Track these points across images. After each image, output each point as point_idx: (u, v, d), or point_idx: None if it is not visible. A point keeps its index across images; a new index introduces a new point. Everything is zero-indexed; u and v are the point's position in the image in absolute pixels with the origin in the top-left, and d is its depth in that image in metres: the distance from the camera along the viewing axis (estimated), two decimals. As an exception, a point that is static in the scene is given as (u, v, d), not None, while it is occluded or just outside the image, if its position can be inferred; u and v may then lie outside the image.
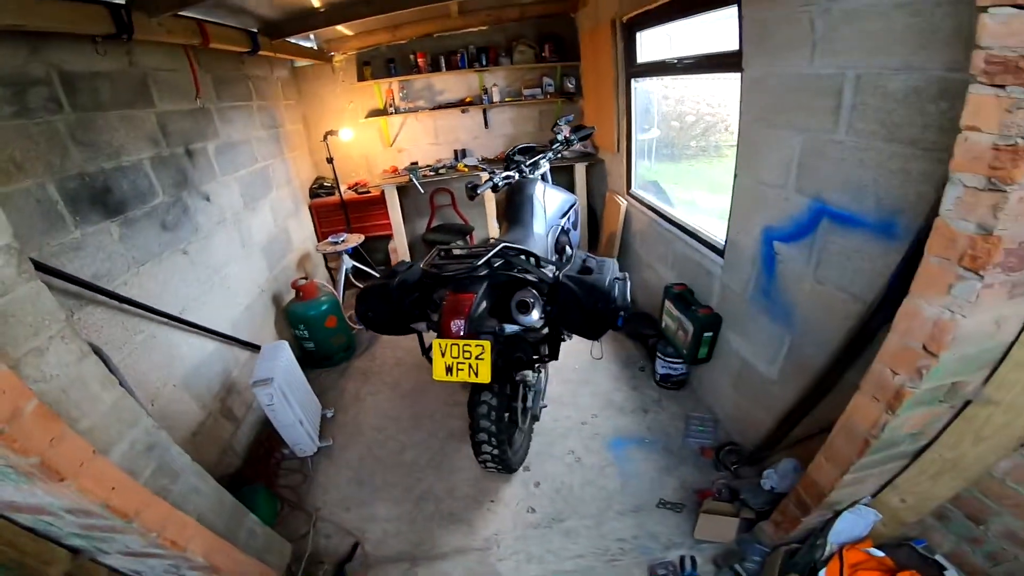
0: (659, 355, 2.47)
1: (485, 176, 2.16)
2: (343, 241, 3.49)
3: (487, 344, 1.47)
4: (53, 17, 1.53)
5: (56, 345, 1.03)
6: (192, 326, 2.08)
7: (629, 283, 1.69)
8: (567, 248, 2.83)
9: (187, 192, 2.26)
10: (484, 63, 3.91)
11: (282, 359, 2.13)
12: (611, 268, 1.69)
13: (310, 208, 3.92)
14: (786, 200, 1.61)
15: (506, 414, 1.82)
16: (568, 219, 2.62)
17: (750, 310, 1.89)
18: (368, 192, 4.01)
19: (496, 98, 4.06)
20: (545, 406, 2.29)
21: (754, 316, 1.87)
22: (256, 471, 2.18)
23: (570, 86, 4.08)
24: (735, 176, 1.89)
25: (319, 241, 3.81)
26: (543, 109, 4.23)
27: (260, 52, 2.80)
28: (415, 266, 1.81)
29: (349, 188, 4.08)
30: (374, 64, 3.89)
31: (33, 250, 1.45)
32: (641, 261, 3.12)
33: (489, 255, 1.60)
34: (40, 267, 1.39)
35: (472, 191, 2.15)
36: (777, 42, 1.55)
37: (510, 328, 1.67)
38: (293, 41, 3.24)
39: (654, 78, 2.83)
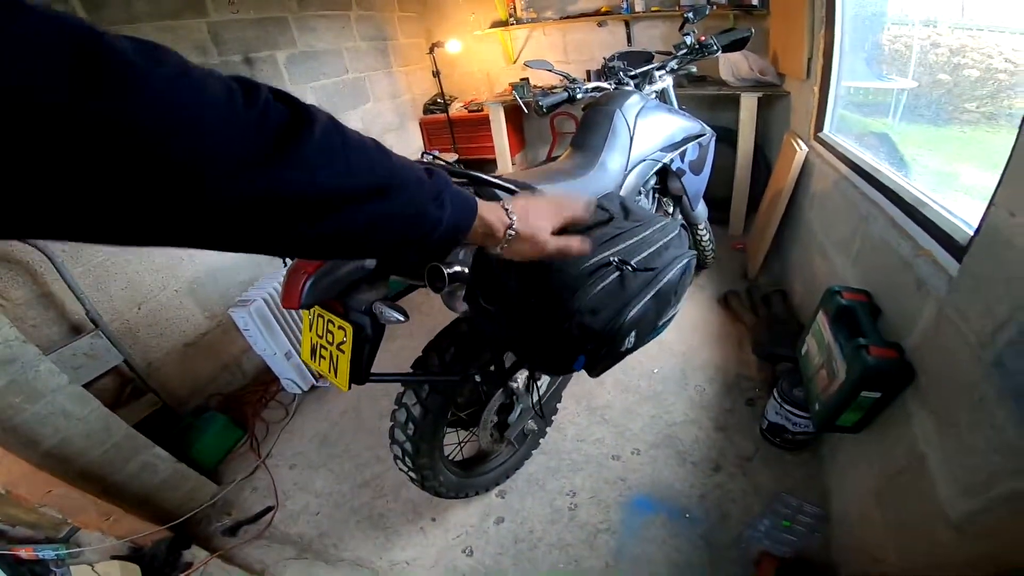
0: (776, 393, 1.59)
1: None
2: (434, 158, 3.27)
3: (350, 329, 0.99)
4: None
5: None
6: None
7: (665, 287, 0.92)
8: (677, 203, 2.09)
9: (242, 100, 2.26)
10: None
11: (280, 279, 2.06)
12: (643, 236, 0.93)
13: (421, 125, 3.78)
14: None
15: (443, 427, 1.33)
16: (681, 155, 1.87)
17: (981, 381, 0.84)
18: (480, 110, 3.66)
19: (640, 7, 3.17)
20: (542, 433, 1.74)
21: (984, 396, 0.83)
22: (250, 397, 2.23)
23: (752, -3, 2.92)
24: None
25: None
26: (709, 24, 3.15)
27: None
28: None
29: (464, 105, 3.80)
30: None
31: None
32: (812, 239, 2.05)
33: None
34: None
35: (539, 105, 1.66)
36: None
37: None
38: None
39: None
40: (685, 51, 1.94)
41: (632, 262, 0.85)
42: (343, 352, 1.01)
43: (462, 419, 1.44)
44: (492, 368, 1.28)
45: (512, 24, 3.52)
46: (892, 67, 1.90)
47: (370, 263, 0.98)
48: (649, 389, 1.96)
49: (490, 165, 3.72)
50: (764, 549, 1.34)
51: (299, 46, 2.57)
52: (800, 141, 2.30)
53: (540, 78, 3.58)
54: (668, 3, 3.19)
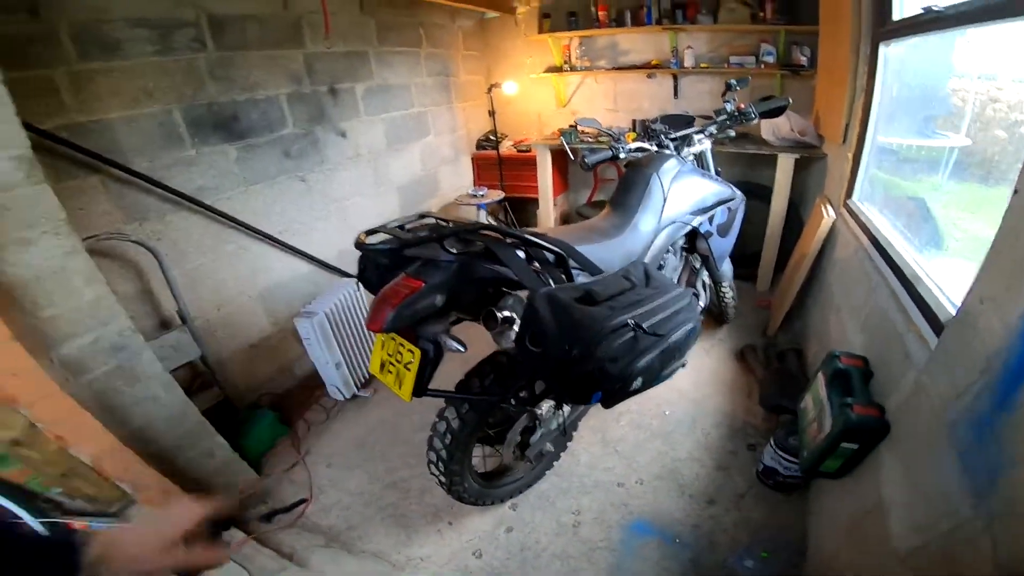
0: (773, 440, 1.75)
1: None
2: (482, 195, 3.48)
3: (418, 353, 1.20)
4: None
5: (46, 240, 1.23)
6: (284, 246, 2.35)
7: (672, 346, 1.12)
8: (704, 261, 2.23)
9: (321, 127, 2.51)
10: (679, 20, 3.22)
11: (341, 296, 2.25)
12: (660, 303, 1.13)
13: (473, 159, 4.01)
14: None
15: (478, 443, 1.55)
16: (710, 219, 2.02)
17: (939, 438, 1.02)
18: (528, 151, 3.87)
19: (689, 63, 3.35)
20: (556, 455, 1.90)
21: (938, 451, 1.02)
22: (297, 398, 2.41)
23: (802, 58, 3.07)
24: (1014, 193, 0.93)
25: (472, 193, 3.90)
26: (756, 84, 3.32)
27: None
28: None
29: (514, 144, 4.02)
30: (554, 17, 3.61)
31: (145, 161, 1.78)
32: (830, 303, 2.17)
33: (445, 232, 1.17)
34: (129, 171, 1.70)
35: (584, 162, 1.84)
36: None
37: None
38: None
39: (920, 35, 1.74)
40: (725, 117, 2.09)
41: (645, 325, 1.06)
42: (409, 370, 1.23)
43: (490, 436, 1.62)
44: (523, 394, 1.50)
45: (566, 70, 3.74)
46: (946, 123, 1.91)
47: (440, 300, 1.18)
48: (660, 428, 2.10)
49: (533, 204, 3.92)
50: (751, 576, 1.46)
51: (375, 79, 2.82)
52: (830, 207, 2.40)
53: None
54: (716, 60, 3.37)
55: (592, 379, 1.02)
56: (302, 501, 1.87)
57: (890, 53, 1.99)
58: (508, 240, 1.19)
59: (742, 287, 2.65)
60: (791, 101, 2.13)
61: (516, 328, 1.19)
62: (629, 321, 1.04)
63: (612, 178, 3.97)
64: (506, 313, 1.20)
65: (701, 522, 1.69)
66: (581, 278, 1.27)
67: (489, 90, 3.61)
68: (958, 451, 0.94)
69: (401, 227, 1.33)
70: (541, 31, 3.64)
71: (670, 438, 2.05)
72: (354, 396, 2.37)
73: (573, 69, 3.72)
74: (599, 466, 1.94)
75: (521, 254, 1.20)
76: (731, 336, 2.73)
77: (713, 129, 2.12)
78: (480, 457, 1.71)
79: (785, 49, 3.13)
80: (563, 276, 1.22)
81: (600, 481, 1.87)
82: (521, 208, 4.09)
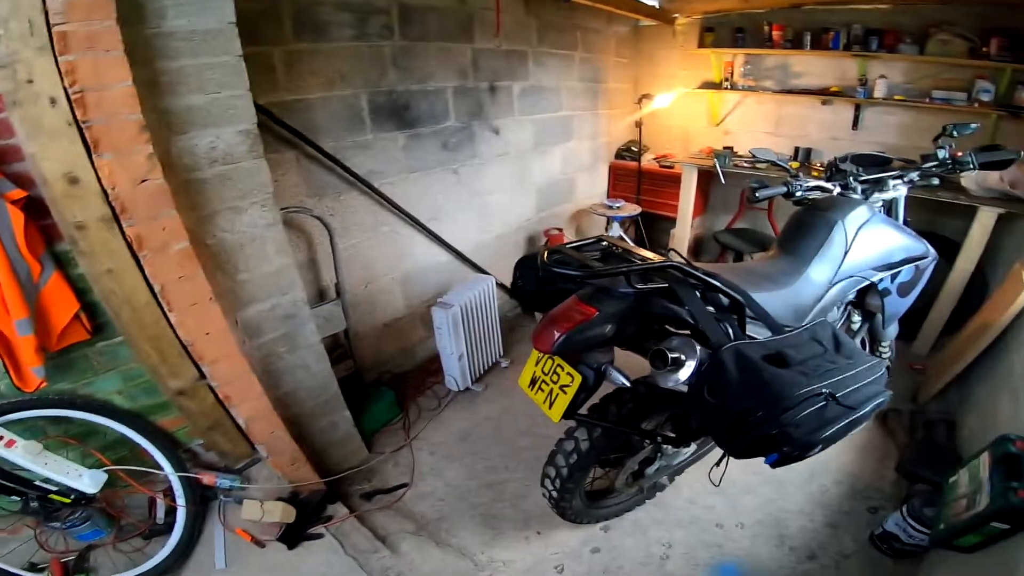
0: (905, 507, 1.59)
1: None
2: (618, 208, 3.36)
3: (578, 379, 1.19)
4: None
5: (254, 210, 1.33)
6: (431, 234, 2.41)
7: (858, 418, 1.05)
8: (868, 318, 1.97)
9: (478, 122, 2.54)
10: (874, 48, 2.84)
11: (477, 291, 2.27)
12: (853, 374, 1.07)
13: (610, 168, 3.90)
14: None
15: (596, 466, 1.52)
16: (893, 276, 1.76)
17: None
18: (671, 167, 3.67)
19: (880, 93, 2.95)
20: (664, 487, 1.86)
21: None
22: (414, 381, 2.47)
23: (1028, 99, 2.57)
24: None
25: (607, 202, 3.79)
26: (977, 124, 2.81)
27: (581, 1, 2.70)
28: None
29: (656, 158, 3.84)
30: (718, 31, 3.36)
31: (332, 141, 1.89)
32: (1007, 381, 1.86)
33: (635, 268, 1.14)
34: (321, 151, 1.81)
35: (754, 194, 1.67)
36: None
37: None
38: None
39: None
40: (934, 163, 1.78)
41: (838, 395, 1.01)
42: (565, 393, 1.23)
43: (608, 459, 1.59)
44: (670, 434, 1.46)
45: (725, 88, 3.49)
46: None
47: (611, 331, 1.14)
48: (773, 475, 1.94)
49: (666, 222, 3.73)
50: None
51: (531, 79, 2.81)
52: (1029, 276, 1.98)
53: (748, 146, 3.49)
54: (914, 93, 2.93)
55: (771, 441, 0.99)
56: (403, 485, 1.91)
57: None
58: (690, 280, 1.14)
59: (898, 345, 2.30)
60: (1022, 155, 1.77)
61: (683, 371, 1.13)
62: (824, 391, 1.00)
63: (761, 207, 3.64)
64: (676, 355, 1.13)
65: (795, 576, 1.56)
66: (752, 327, 1.22)
67: (639, 100, 3.47)
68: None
69: (578, 249, 1.29)
70: (702, 45, 3.42)
71: (782, 487, 1.91)
72: (467, 389, 2.40)
73: (733, 87, 3.46)
74: (700, 503, 1.85)
75: (698, 294, 1.14)
76: (877, 395, 2.40)
77: (915, 176, 1.82)
78: (592, 478, 1.68)
79: (1008, 88, 2.67)
80: (736, 322, 1.18)
81: (698, 518, 1.79)
82: (653, 224, 3.91)
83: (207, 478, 1.54)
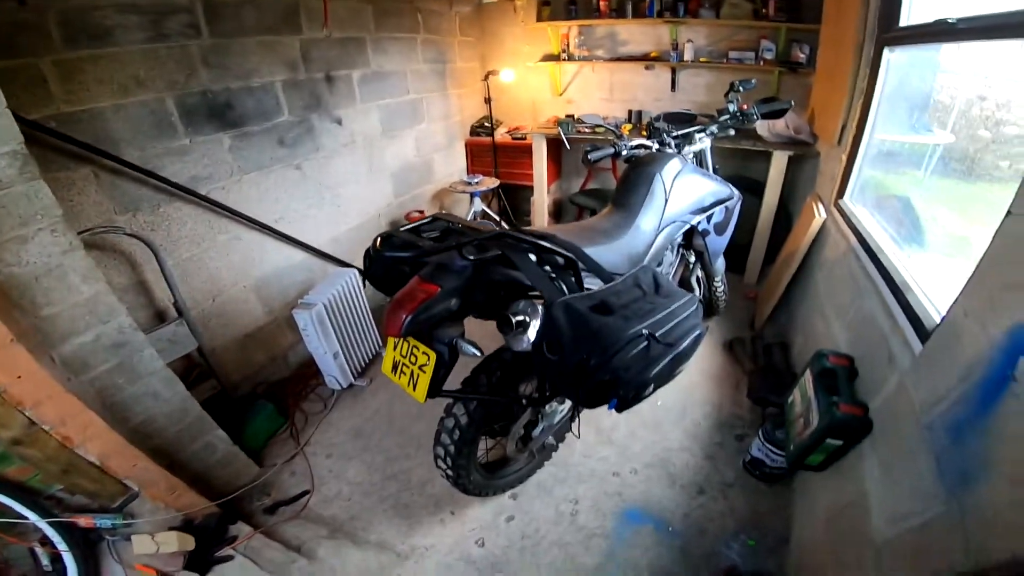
0: (761, 432, 1.80)
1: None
2: (477, 183, 3.46)
3: (433, 356, 1.22)
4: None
5: (42, 237, 1.21)
6: (279, 235, 2.32)
7: (681, 352, 1.18)
8: (699, 257, 2.26)
9: (317, 114, 2.46)
10: (681, 13, 3.20)
11: (340, 286, 2.23)
12: (670, 311, 1.18)
13: (466, 145, 3.97)
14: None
15: (484, 437, 1.60)
16: (708, 218, 2.06)
17: (916, 441, 1.10)
18: (523, 139, 3.85)
19: (688, 56, 3.34)
20: (555, 447, 1.97)
21: (916, 451, 1.08)
22: (292, 388, 2.41)
23: (801, 55, 3.07)
24: (1007, 215, 0.96)
25: (466, 179, 3.87)
26: (756, 79, 3.30)
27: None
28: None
29: (508, 131, 3.98)
30: (554, 5, 3.56)
31: (136, 151, 1.74)
32: (816, 301, 2.22)
33: (465, 241, 1.17)
34: (120, 161, 1.66)
35: (587, 157, 1.83)
36: None
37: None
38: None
39: (930, 47, 1.77)
40: (727, 117, 2.10)
41: (658, 334, 1.11)
42: (424, 373, 1.25)
43: (493, 429, 1.66)
44: (536, 395, 1.53)
45: (564, 59, 3.70)
46: (933, 118, 1.90)
47: (455, 304, 1.19)
48: (652, 418, 2.15)
49: (526, 191, 3.91)
50: (732, 563, 1.59)
51: (372, 66, 2.76)
52: (820, 206, 2.43)
53: (582, 112, 3.76)
54: (716, 55, 3.36)
55: (608, 387, 1.07)
56: (305, 493, 1.89)
57: (893, 59, 1.99)
58: (522, 245, 1.20)
59: (731, 278, 2.69)
60: (793, 104, 2.16)
61: (530, 332, 1.18)
62: (643, 331, 1.09)
63: (606, 167, 3.97)
64: (520, 318, 1.18)
65: (691, 510, 1.76)
66: (589, 280, 1.29)
67: (486, 77, 3.56)
68: (935, 452, 1.00)
69: (415, 231, 1.32)
70: (540, 19, 3.58)
71: (661, 428, 2.11)
72: (351, 386, 2.37)
73: (571, 58, 3.68)
74: (594, 455, 2.00)
75: (533, 257, 1.21)
76: (720, 328, 2.79)
77: (715, 128, 2.13)
78: (483, 450, 1.75)
79: (785, 46, 3.13)
80: (573, 279, 1.24)
81: (595, 470, 1.93)
82: (514, 195, 4.08)
83: (83, 520, 1.44)
